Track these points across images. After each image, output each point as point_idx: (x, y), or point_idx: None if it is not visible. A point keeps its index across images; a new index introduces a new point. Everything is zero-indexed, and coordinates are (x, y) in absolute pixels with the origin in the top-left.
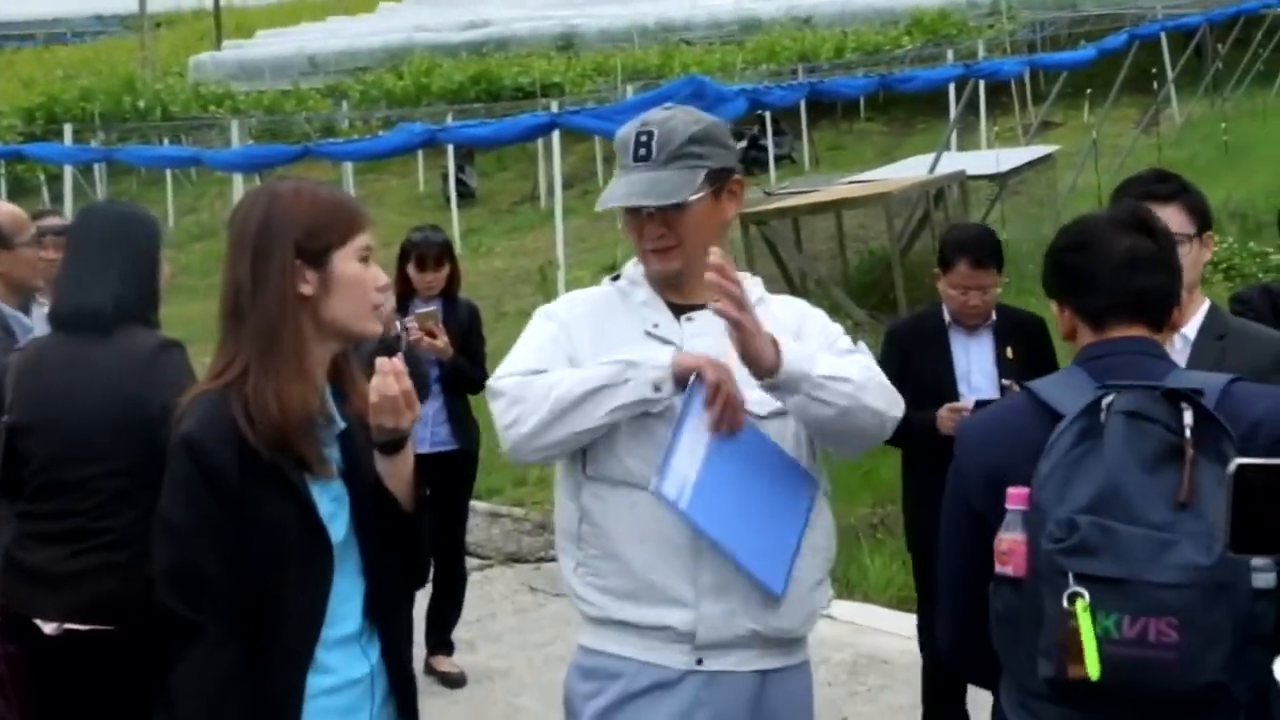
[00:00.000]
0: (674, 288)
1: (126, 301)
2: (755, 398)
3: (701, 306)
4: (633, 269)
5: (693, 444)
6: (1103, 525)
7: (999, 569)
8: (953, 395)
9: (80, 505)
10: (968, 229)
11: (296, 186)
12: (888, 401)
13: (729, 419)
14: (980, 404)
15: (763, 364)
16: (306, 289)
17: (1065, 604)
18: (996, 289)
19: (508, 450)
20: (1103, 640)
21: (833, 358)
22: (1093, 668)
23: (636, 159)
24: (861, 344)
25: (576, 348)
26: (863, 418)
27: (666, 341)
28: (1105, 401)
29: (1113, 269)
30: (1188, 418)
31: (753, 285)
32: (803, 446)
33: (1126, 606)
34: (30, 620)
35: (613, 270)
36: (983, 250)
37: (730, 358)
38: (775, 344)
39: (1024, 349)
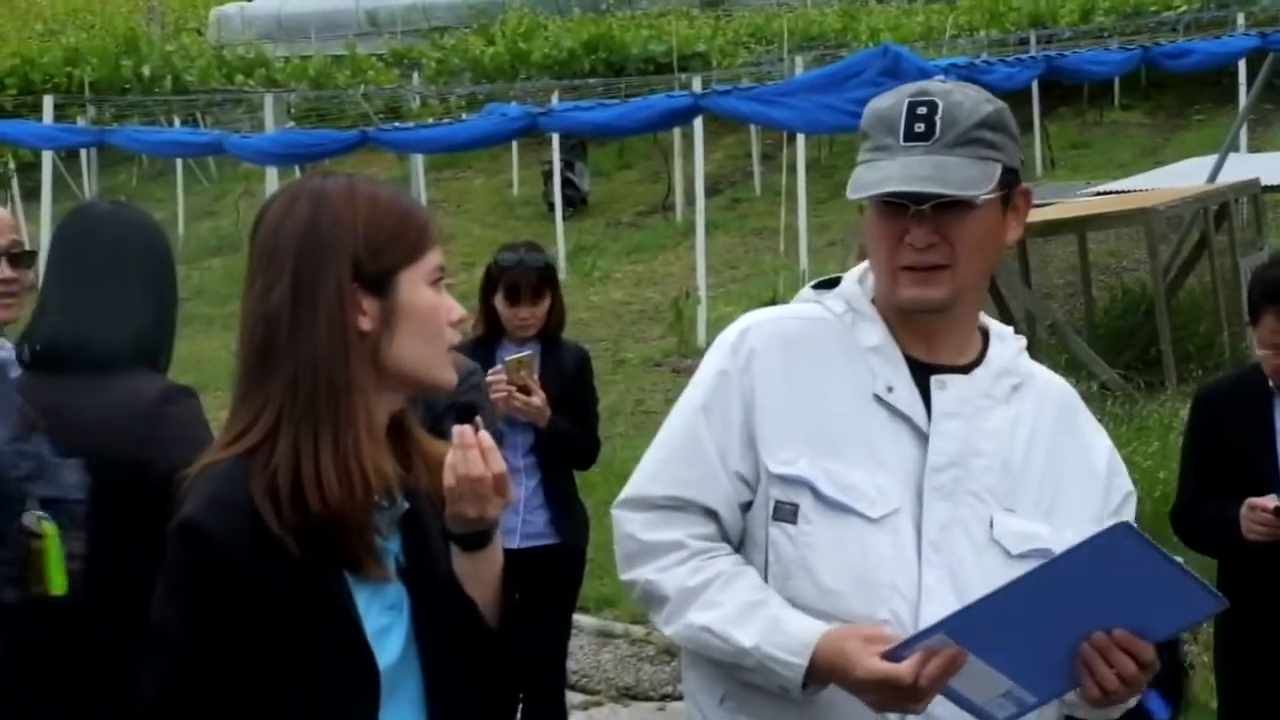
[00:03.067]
0: (921, 334)
1: (142, 335)
2: (1012, 529)
3: (959, 368)
4: (854, 287)
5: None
6: None
7: None
8: (1275, 484)
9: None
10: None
11: (350, 185)
12: None
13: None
14: None
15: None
16: (366, 323)
17: None
18: None
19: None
20: None
21: None
22: None
23: (911, 136)
24: (1131, 494)
25: (762, 419)
26: None
27: (903, 417)
28: None
29: None
30: None
31: (1013, 343)
32: None
33: None
34: None
35: (773, 303)
36: None
37: (1006, 457)
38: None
39: None
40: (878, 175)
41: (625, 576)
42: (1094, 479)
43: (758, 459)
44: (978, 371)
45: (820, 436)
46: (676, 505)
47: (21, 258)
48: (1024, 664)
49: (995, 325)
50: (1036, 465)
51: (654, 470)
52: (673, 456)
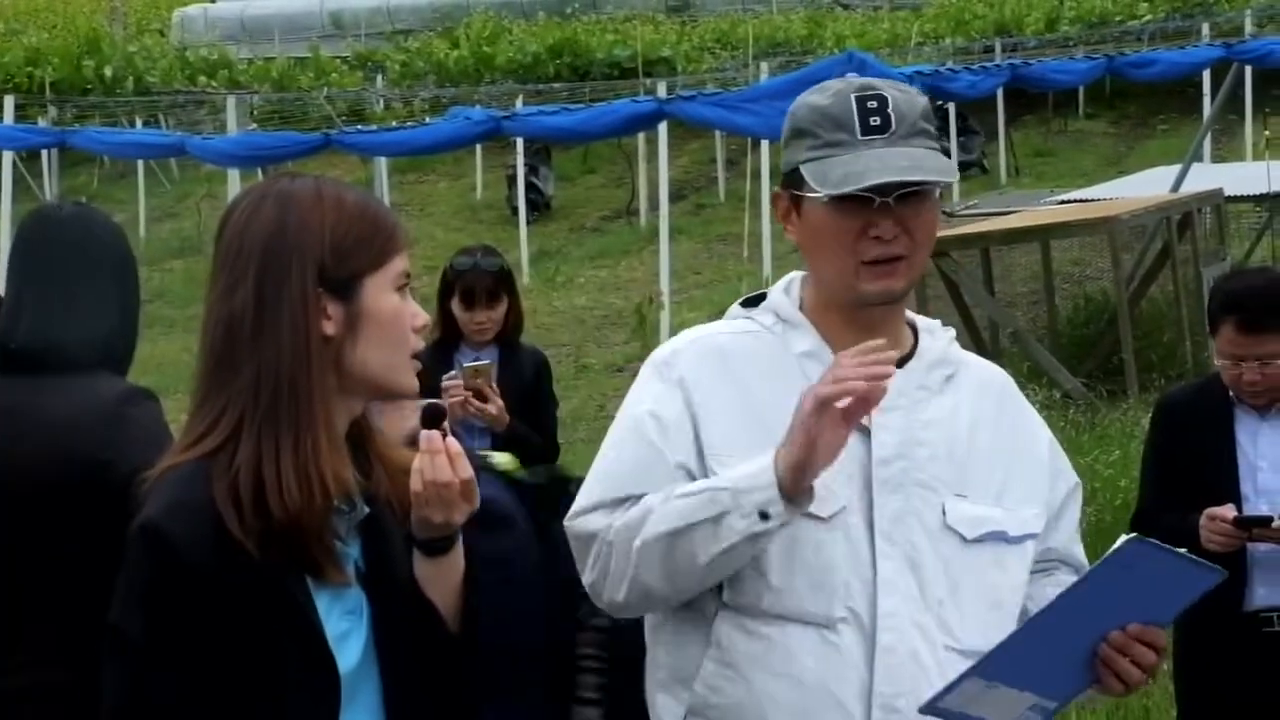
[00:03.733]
0: (860, 332)
1: (111, 337)
2: (979, 514)
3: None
4: (781, 297)
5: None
6: None
7: None
8: (1233, 495)
9: (9, 605)
10: (1246, 277)
11: (317, 187)
12: None
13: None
14: (1246, 521)
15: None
16: (329, 327)
17: None
18: None
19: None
20: None
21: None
22: None
23: (868, 130)
24: (1078, 485)
25: (707, 429)
26: None
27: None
28: None
29: None
30: None
31: (942, 335)
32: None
33: None
34: None
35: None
36: (1258, 307)
37: (950, 444)
38: None
39: None
40: (851, 169)
41: (586, 573)
42: (1038, 464)
43: (705, 464)
44: (911, 364)
45: (764, 440)
46: (627, 500)
47: None
48: (1047, 678)
49: (922, 319)
50: (982, 450)
51: (604, 474)
52: (623, 459)
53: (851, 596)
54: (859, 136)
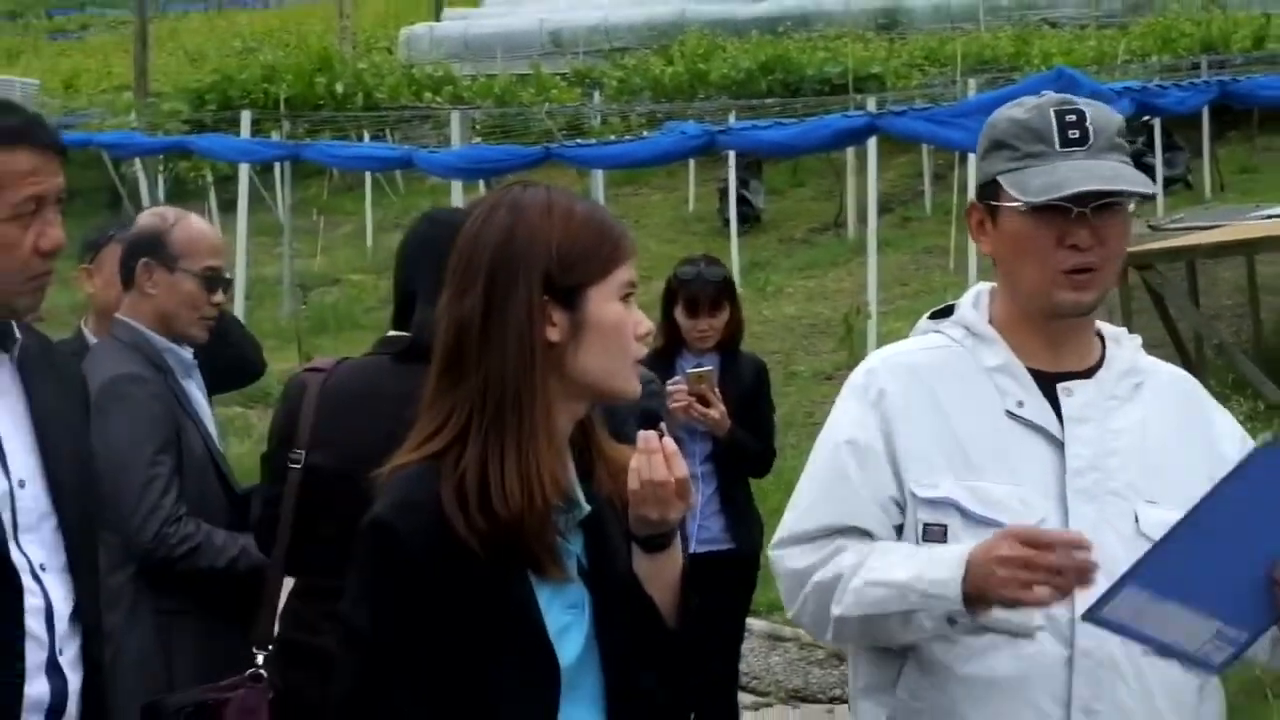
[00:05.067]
0: (1049, 343)
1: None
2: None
3: (1081, 374)
4: (970, 311)
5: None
6: None
7: None
8: None
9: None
10: None
11: (548, 197)
12: None
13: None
14: None
15: None
16: (554, 334)
17: None
18: None
19: None
20: None
21: None
22: None
23: (1067, 143)
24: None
25: (904, 451)
26: None
27: (1037, 428)
28: None
29: None
30: None
31: (1129, 343)
32: None
33: None
34: (309, 706)
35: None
36: None
37: (1142, 452)
38: None
39: None
40: (1051, 179)
41: (791, 610)
42: (1223, 463)
43: (903, 486)
44: (1100, 374)
45: (960, 458)
46: (831, 533)
47: (228, 285)
48: (1225, 602)
49: (1108, 328)
50: (1172, 455)
51: (805, 506)
52: (822, 491)
53: (1050, 605)
54: (1058, 148)
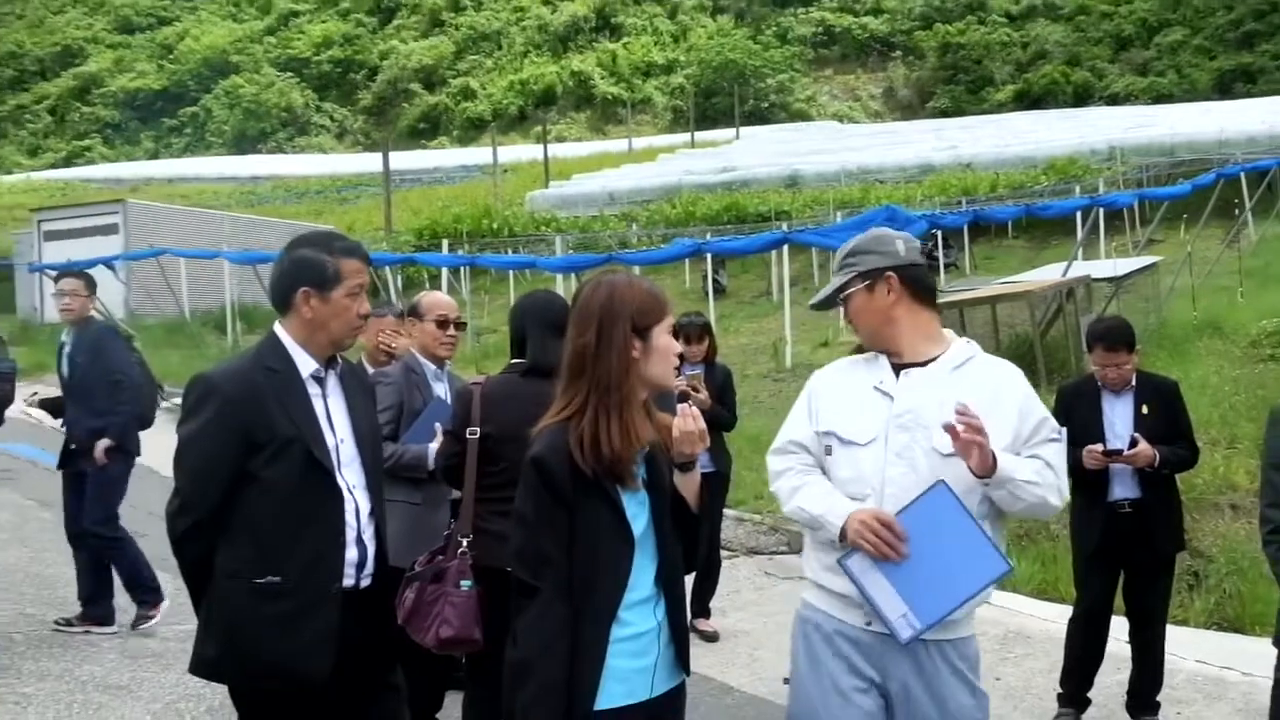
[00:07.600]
0: (896, 352)
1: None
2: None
3: (917, 364)
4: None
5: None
6: None
7: None
8: (1100, 438)
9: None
10: (1102, 322)
11: (629, 279)
12: (1060, 497)
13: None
14: (1109, 452)
15: (984, 469)
16: (636, 354)
17: None
18: (1129, 365)
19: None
20: None
21: (1029, 464)
22: None
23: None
24: (1062, 431)
25: (823, 403)
26: (1040, 509)
27: (884, 392)
28: None
29: None
30: None
31: (966, 345)
32: (976, 487)
33: None
34: (494, 569)
35: (825, 345)
36: (1111, 337)
37: (943, 406)
38: (994, 457)
39: (1159, 407)
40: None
41: (773, 488)
42: (1014, 409)
43: (816, 424)
44: (931, 365)
45: (842, 411)
46: (790, 446)
47: (462, 325)
48: (911, 592)
49: (961, 339)
50: (969, 401)
51: (783, 430)
52: (790, 425)
53: (871, 488)
54: (833, 271)
